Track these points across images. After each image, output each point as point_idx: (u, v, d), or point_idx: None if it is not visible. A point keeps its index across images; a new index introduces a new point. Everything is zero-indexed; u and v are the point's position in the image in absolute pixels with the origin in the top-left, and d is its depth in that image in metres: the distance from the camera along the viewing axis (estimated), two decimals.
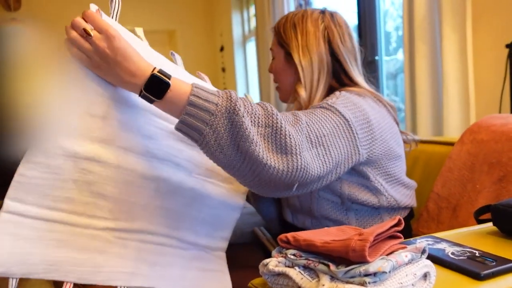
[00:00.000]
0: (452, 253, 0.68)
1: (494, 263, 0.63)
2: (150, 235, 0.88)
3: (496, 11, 1.90)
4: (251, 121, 0.77)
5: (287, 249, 0.65)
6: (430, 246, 0.71)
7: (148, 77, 0.75)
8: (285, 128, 0.79)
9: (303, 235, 0.64)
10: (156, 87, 0.75)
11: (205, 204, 0.96)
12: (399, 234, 0.61)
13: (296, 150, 0.79)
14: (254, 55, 4.49)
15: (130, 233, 0.85)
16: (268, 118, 0.79)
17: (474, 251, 0.69)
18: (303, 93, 1.09)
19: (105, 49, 0.73)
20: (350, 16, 3.45)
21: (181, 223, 0.93)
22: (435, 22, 2.07)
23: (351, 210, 1.06)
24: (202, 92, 0.75)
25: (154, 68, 0.76)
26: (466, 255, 0.67)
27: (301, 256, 0.62)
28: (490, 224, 0.82)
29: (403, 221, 0.61)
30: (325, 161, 0.87)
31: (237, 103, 0.76)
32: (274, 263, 0.63)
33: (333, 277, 0.56)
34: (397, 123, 1.11)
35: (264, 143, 0.78)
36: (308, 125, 0.87)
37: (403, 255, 0.57)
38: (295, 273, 0.60)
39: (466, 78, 1.92)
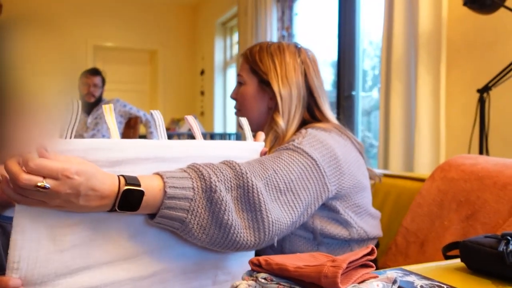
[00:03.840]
0: (421, 286, 0.69)
1: None
2: None
3: (469, 56, 1.99)
4: (225, 188, 0.77)
5: (258, 272, 0.64)
6: (400, 279, 0.72)
7: (117, 194, 0.67)
8: (255, 185, 0.80)
9: (276, 259, 0.63)
10: (130, 201, 0.68)
11: (216, 266, 0.89)
12: (371, 263, 0.61)
13: (266, 206, 0.81)
14: (233, 81, 4.54)
15: None
16: (238, 179, 0.79)
17: (442, 285, 0.69)
18: (281, 122, 1.10)
19: (67, 191, 0.62)
20: (330, 52, 3.55)
21: None
22: (411, 63, 2.16)
23: (323, 245, 1.07)
24: (175, 181, 0.72)
25: (119, 180, 0.68)
26: None
27: (272, 280, 0.61)
28: (457, 260, 0.83)
29: (375, 250, 0.61)
30: (295, 206, 0.88)
31: (211, 179, 0.75)
32: (244, 286, 0.62)
33: None
34: (362, 155, 1.14)
35: (236, 206, 0.78)
36: (276, 172, 0.88)
37: (375, 284, 0.57)
38: None
39: (438, 118, 1.99)
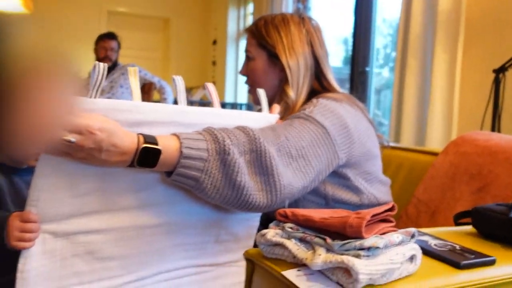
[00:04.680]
0: (435, 245, 0.73)
1: (473, 256, 0.69)
2: (167, 273, 0.87)
3: (487, 36, 1.99)
4: (238, 151, 0.81)
5: (284, 222, 0.69)
6: None
7: (137, 151, 0.72)
8: (268, 150, 0.84)
9: (301, 211, 0.68)
10: (148, 158, 0.73)
11: (220, 225, 0.93)
12: (392, 219, 0.65)
13: (278, 170, 0.84)
14: None
15: (150, 278, 0.84)
16: (252, 143, 0.83)
17: (455, 245, 0.74)
18: (291, 93, 1.12)
19: (90, 146, 0.68)
20: (342, 28, 3.53)
21: (196, 251, 0.91)
22: (428, 41, 2.16)
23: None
24: (191, 142, 0.76)
25: (138, 138, 0.72)
26: (447, 247, 0.72)
27: (298, 230, 0.66)
28: (469, 227, 0.87)
29: (396, 207, 0.65)
30: (306, 172, 0.92)
31: (225, 142, 0.79)
32: (271, 233, 0.67)
33: (328, 250, 0.60)
34: (372, 124, 1.16)
35: (249, 170, 0.82)
36: (288, 139, 0.91)
37: (395, 236, 0.61)
38: (291, 244, 0.64)
39: (451, 96, 2.00)
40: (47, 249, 0.72)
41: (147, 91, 3.36)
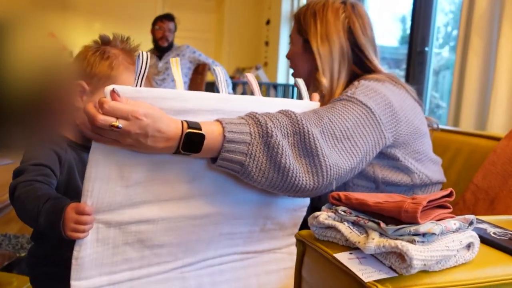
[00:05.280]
0: (494, 233, 0.71)
1: None
2: (211, 260, 0.90)
3: None
4: (282, 134, 0.81)
5: (337, 206, 0.69)
6: None
7: (181, 137, 0.73)
8: (311, 131, 0.83)
9: (355, 195, 0.68)
10: (193, 144, 0.74)
11: (267, 216, 0.95)
12: (449, 205, 0.64)
13: (323, 151, 0.84)
14: None
15: (195, 264, 0.87)
16: (294, 126, 0.83)
17: None
18: (324, 80, 1.12)
19: (136, 131, 0.69)
20: (404, 3, 3.39)
21: (242, 240, 0.93)
22: (495, 18, 2.03)
23: (386, 193, 1.09)
24: (233, 126, 0.77)
25: (182, 124, 0.74)
26: (507, 236, 0.70)
27: (351, 213, 0.66)
28: None
29: (454, 193, 0.64)
30: (353, 152, 0.91)
31: (267, 125, 0.79)
32: (324, 216, 0.68)
33: (382, 234, 0.60)
34: (419, 103, 1.13)
35: (294, 152, 0.82)
36: (331, 121, 0.91)
37: (452, 223, 0.60)
38: (344, 227, 0.65)
39: None
40: (100, 238, 0.75)
41: (201, 71, 3.42)
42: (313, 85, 1.15)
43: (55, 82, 1.03)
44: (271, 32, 5.24)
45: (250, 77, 0.89)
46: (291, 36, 1.22)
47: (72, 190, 0.91)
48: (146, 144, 0.71)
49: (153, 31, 3.44)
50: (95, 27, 4.50)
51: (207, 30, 5.73)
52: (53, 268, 0.90)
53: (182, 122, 0.74)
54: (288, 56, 1.25)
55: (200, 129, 0.75)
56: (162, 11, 4.81)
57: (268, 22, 5.33)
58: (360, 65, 1.15)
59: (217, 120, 0.78)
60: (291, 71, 1.27)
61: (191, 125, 0.74)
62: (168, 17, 3.41)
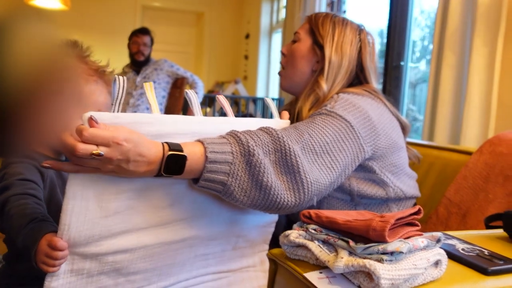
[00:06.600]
0: (462, 249, 0.72)
1: (502, 262, 0.67)
2: (185, 282, 0.89)
3: None
4: (263, 152, 0.82)
5: (308, 224, 0.69)
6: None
7: (163, 159, 0.72)
8: (292, 148, 0.84)
9: (325, 213, 0.68)
10: (175, 166, 0.73)
11: (239, 234, 0.94)
12: (417, 222, 0.64)
13: (304, 168, 0.84)
14: (278, 46, 4.51)
15: (170, 287, 0.86)
16: (276, 143, 0.84)
17: (483, 250, 0.72)
18: (324, 85, 1.13)
19: (118, 157, 0.68)
20: (380, 19, 3.45)
21: (215, 260, 0.93)
22: (467, 34, 2.08)
23: (360, 205, 1.10)
24: (215, 146, 0.77)
25: (163, 146, 0.73)
26: (475, 252, 0.70)
27: (321, 232, 0.66)
28: (500, 230, 0.85)
29: (422, 210, 0.64)
30: (332, 167, 0.92)
31: (249, 143, 0.79)
32: (295, 234, 0.68)
33: (351, 253, 0.60)
34: (396, 117, 1.15)
35: (275, 169, 0.82)
36: (311, 136, 0.91)
37: (420, 241, 0.60)
38: (314, 246, 0.64)
39: (490, 93, 1.93)
40: (75, 269, 0.74)
41: (180, 85, 3.41)
42: (310, 87, 1.16)
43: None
44: (250, 46, 5.28)
45: (222, 99, 0.89)
46: (297, 33, 1.22)
47: (54, 205, 0.89)
48: (128, 169, 0.70)
49: (129, 46, 3.42)
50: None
51: (187, 43, 5.74)
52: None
53: (163, 144, 0.73)
54: (285, 51, 1.24)
55: (182, 151, 0.74)
56: (141, 24, 4.80)
57: (247, 36, 5.37)
58: (357, 85, 1.18)
59: (199, 140, 0.78)
60: (277, 82, 1.28)
61: (172, 147, 0.73)
62: (143, 31, 3.39)
